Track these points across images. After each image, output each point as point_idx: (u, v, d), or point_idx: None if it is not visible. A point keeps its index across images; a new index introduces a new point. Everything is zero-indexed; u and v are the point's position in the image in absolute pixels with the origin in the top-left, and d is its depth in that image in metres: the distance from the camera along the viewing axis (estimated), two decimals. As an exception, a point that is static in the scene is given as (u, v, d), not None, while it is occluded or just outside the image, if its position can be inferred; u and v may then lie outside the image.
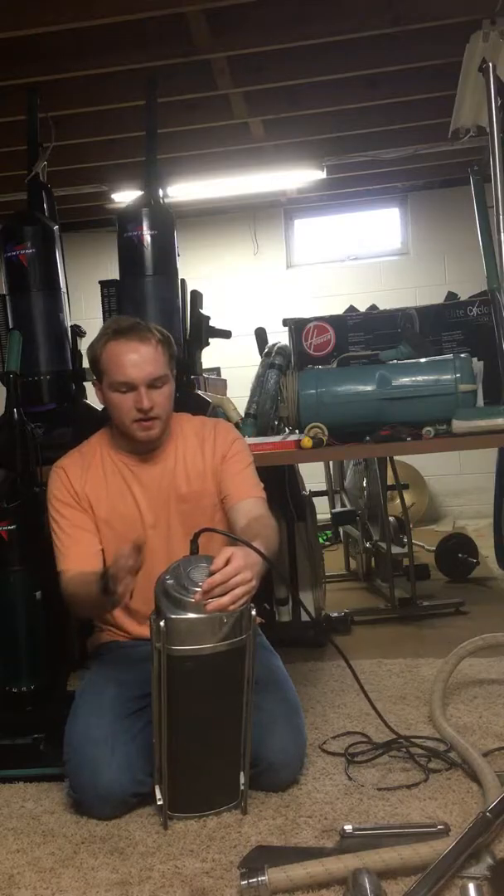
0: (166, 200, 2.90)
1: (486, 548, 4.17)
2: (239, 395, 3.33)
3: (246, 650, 1.76)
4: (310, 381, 2.72)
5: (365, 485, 4.16)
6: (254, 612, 1.74)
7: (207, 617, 1.69)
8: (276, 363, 3.16)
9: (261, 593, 1.84)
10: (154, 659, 1.73)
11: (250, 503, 2.06)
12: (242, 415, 3.13)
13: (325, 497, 4.74)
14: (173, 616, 1.69)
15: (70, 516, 2.06)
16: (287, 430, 2.85)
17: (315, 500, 3.48)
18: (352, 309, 3.20)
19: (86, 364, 2.97)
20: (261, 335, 3.44)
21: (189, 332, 2.90)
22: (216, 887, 1.58)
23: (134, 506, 2.07)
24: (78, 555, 2.03)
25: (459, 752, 2.02)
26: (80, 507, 2.07)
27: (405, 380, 2.67)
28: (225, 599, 1.66)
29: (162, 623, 1.69)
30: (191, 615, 1.69)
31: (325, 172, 4.76)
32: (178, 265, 2.79)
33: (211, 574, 1.67)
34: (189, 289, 2.91)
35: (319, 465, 4.93)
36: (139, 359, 1.98)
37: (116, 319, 2.14)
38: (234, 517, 2.02)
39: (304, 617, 3.11)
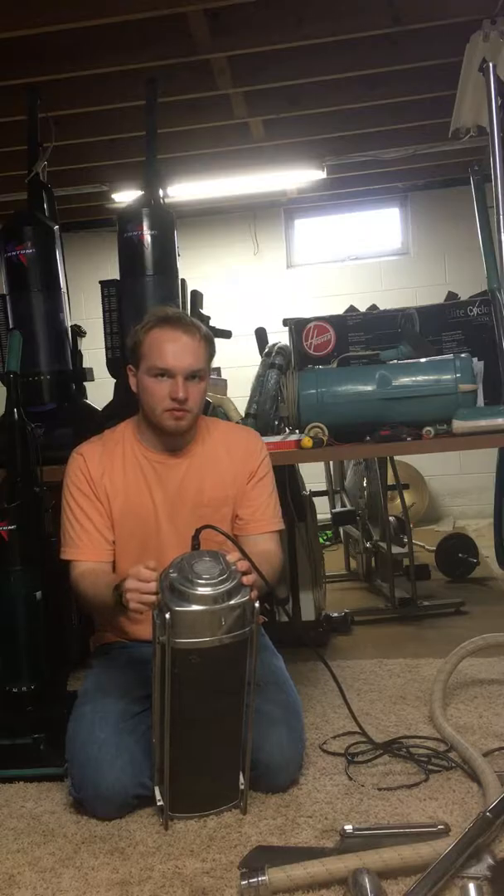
0: (166, 200, 2.90)
1: (486, 548, 4.17)
2: (239, 395, 3.33)
3: (248, 643, 1.76)
4: (310, 381, 2.72)
5: (365, 485, 4.16)
6: (256, 606, 1.74)
7: (212, 609, 1.69)
8: (276, 363, 3.16)
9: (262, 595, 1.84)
10: (156, 655, 1.73)
11: (264, 538, 2.09)
12: (242, 415, 3.13)
13: (325, 497, 4.73)
14: (178, 608, 1.69)
15: (84, 504, 2.04)
16: (287, 430, 2.85)
17: (315, 500, 3.48)
18: (352, 309, 3.21)
19: (86, 364, 3.00)
20: (261, 335, 3.44)
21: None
22: (216, 887, 1.58)
23: (150, 501, 2.05)
24: (89, 546, 2.02)
25: (459, 752, 2.02)
26: (94, 495, 2.04)
27: (405, 380, 2.67)
28: (252, 577, 1.74)
29: (167, 615, 1.68)
30: (195, 607, 1.69)
31: (325, 172, 4.77)
32: (178, 265, 2.79)
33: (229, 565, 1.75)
34: (189, 289, 2.91)
35: (319, 465, 4.93)
36: (181, 348, 1.96)
37: (163, 308, 2.12)
38: (244, 546, 1.97)
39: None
